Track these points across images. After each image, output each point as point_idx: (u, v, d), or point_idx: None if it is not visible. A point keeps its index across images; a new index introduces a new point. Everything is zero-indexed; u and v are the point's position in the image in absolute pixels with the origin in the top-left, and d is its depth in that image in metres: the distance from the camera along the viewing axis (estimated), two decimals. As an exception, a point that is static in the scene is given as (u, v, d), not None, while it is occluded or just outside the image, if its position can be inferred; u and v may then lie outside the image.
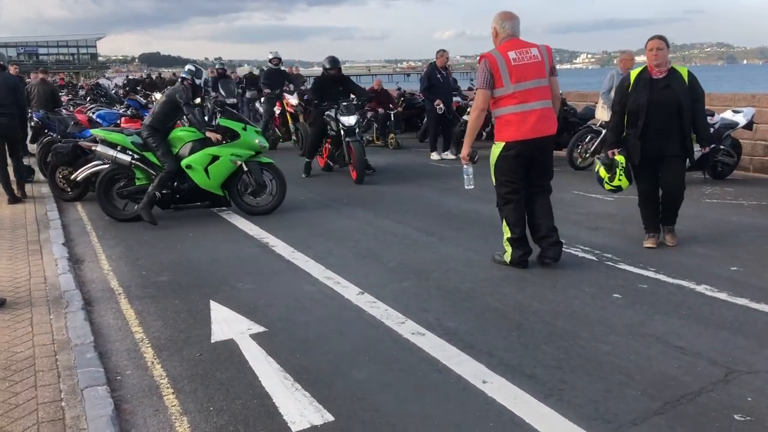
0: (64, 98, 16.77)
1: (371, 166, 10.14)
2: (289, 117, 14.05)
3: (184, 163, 7.15)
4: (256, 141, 7.35)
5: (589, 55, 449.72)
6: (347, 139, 9.42)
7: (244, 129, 7.36)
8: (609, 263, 5.38)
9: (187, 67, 7.61)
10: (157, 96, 17.86)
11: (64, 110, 13.01)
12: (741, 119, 9.16)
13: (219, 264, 5.71)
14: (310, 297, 4.79)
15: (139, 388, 3.49)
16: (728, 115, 9.29)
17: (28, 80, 21.07)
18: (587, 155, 10.35)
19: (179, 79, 7.64)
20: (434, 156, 12.02)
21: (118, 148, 7.25)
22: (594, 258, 5.53)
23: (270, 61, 14.24)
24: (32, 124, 11.05)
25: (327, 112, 9.78)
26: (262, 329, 4.18)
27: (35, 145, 10.87)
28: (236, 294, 4.89)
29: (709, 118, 8.91)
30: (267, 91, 13.57)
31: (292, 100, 13.87)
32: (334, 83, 10.15)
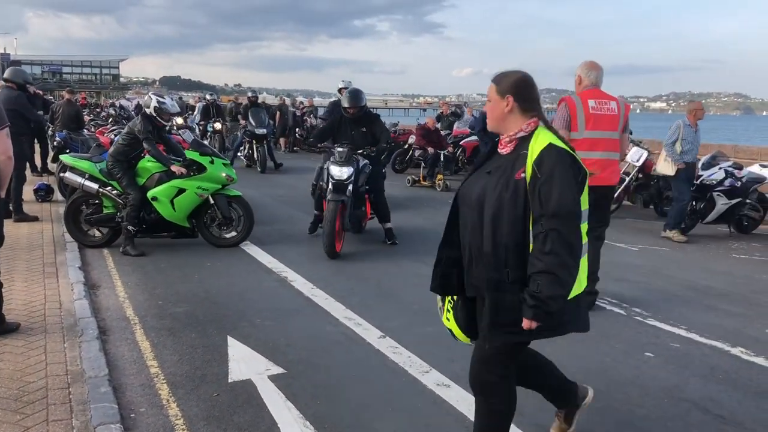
0: (86, 118, 16.89)
1: (393, 235, 7.80)
2: None
3: (150, 194, 7.07)
4: (223, 174, 7.28)
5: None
6: (329, 198, 7.04)
7: (212, 162, 7.28)
8: (638, 318, 5.22)
9: (153, 104, 7.25)
10: (179, 121, 17.99)
11: (86, 130, 13.09)
12: (768, 174, 9.03)
13: (237, 297, 5.59)
14: (330, 338, 4.65)
15: (153, 428, 3.35)
16: (755, 169, 9.17)
17: (50, 98, 21.27)
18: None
19: (141, 112, 7.48)
20: None
21: (86, 175, 7.18)
22: (623, 312, 5.37)
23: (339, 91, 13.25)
24: (54, 143, 11.08)
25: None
26: (281, 371, 4.04)
27: (56, 165, 10.87)
28: (254, 331, 4.75)
29: (736, 171, 8.83)
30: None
31: None
32: (355, 124, 7.78)
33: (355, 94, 7.79)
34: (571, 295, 2.53)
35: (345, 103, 7.78)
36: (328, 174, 7.21)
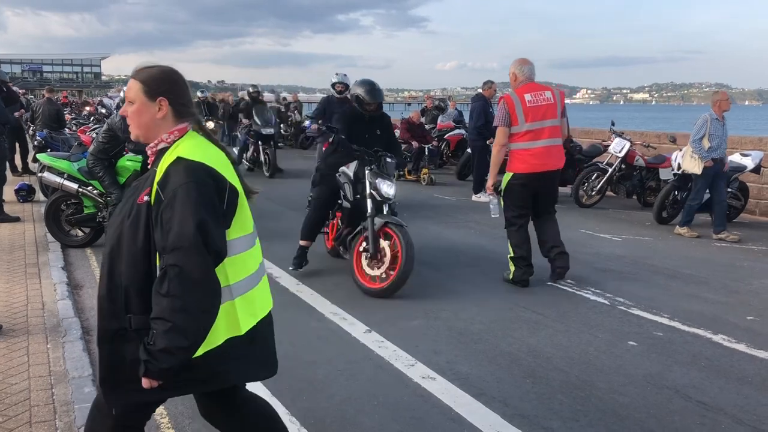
0: (67, 117, 16.72)
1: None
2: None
3: None
4: None
5: (589, 91, 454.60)
6: (386, 222, 5.51)
7: None
8: (622, 308, 5.26)
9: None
10: None
11: (67, 129, 12.98)
12: (749, 163, 9.13)
13: (222, 294, 5.56)
14: (316, 334, 4.65)
15: (138, 427, 3.33)
16: (736, 158, 9.26)
17: (31, 97, 21.06)
18: (593, 193, 10.28)
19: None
20: (481, 198, 10.48)
21: (65, 175, 7.12)
22: (606, 302, 5.41)
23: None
24: (35, 143, 10.97)
25: (342, 168, 6.00)
26: (266, 367, 4.03)
27: (36, 165, 10.77)
28: (240, 328, 4.74)
29: (717, 160, 8.90)
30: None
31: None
32: (370, 125, 6.16)
33: (376, 87, 6.22)
34: (214, 344, 2.05)
35: (366, 97, 6.11)
36: (372, 187, 5.64)
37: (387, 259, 5.45)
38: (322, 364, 4.10)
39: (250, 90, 15.04)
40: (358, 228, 5.82)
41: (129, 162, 7.14)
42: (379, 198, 5.62)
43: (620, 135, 10.56)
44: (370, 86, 6.15)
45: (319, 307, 5.22)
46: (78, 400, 3.49)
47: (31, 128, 12.69)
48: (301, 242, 6.24)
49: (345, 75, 9.94)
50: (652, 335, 4.68)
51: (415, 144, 13.74)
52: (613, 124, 11.18)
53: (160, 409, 3.50)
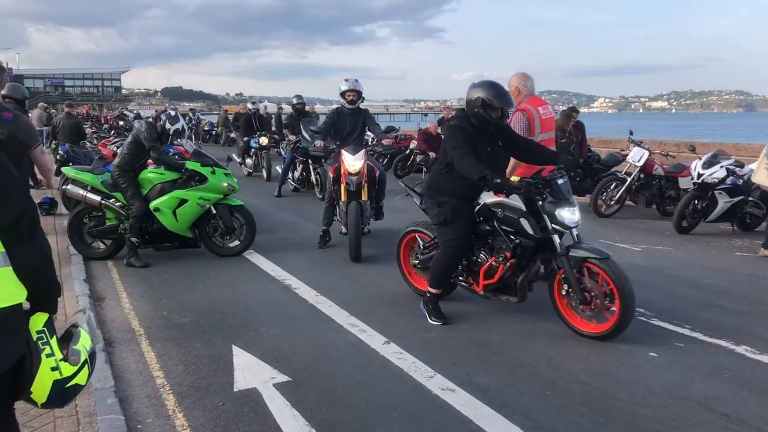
0: (88, 131, 16.94)
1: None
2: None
3: (152, 205, 7.10)
4: (225, 184, 7.32)
5: (607, 99, 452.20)
6: (586, 258, 4.71)
7: (213, 172, 7.31)
8: (642, 318, 5.21)
9: (177, 126, 7.39)
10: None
11: (88, 143, 13.16)
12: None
13: (241, 306, 5.61)
14: (335, 345, 4.66)
15: (160, 439, 3.36)
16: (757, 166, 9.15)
17: (53, 111, 21.37)
18: (612, 203, 10.22)
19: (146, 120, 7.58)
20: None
21: (88, 188, 7.23)
22: (626, 312, 5.37)
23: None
24: (57, 157, 11.13)
25: (491, 200, 5.01)
26: (286, 378, 4.05)
27: (59, 178, 10.93)
28: (259, 339, 4.77)
29: (738, 169, 8.83)
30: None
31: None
32: (490, 138, 5.15)
33: (504, 89, 5.31)
34: None
35: (495, 102, 5.04)
36: (552, 220, 4.80)
37: (599, 300, 4.65)
38: (342, 376, 4.11)
39: (294, 101, 13.83)
40: (537, 268, 4.94)
41: (152, 174, 7.27)
42: (563, 228, 4.79)
43: (639, 144, 10.50)
44: (498, 88, 5.06)
45: (337, 319, 5.24)
46: (101, 411, 3.53)
47: (52, 143, 12.85)
48: (432, 290, 5.24)
49: (356, 81, 8.09)
50: (673, 346, 4.64)
51: (432, 155, 13.78)
52: (631, 133, 11.12)
53: (182, 422, 3.54)
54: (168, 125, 7.31)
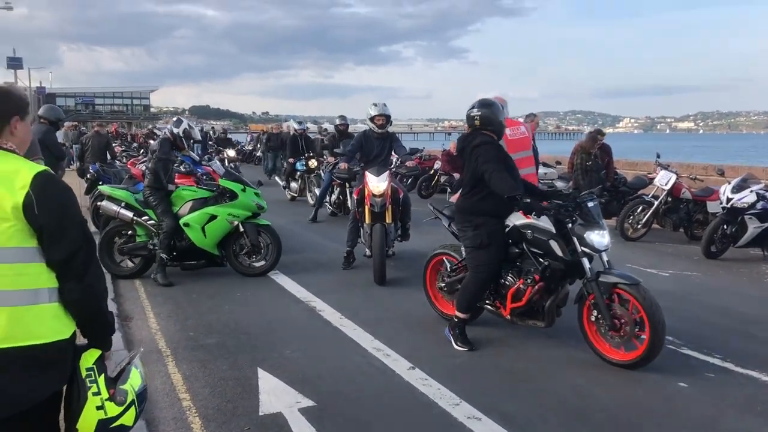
0: (118, 148, 17.20)
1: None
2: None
3: (182, 221, 7.22)
4: (254, 202, 7.43)
5: (633, 120, 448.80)
6: (616, 284, 4.64)
7: (243, 190, 7.45)
8: (671, 347, 5.13)
9: (183, 126, 7.57)
10: (230, 153, 18.20)
11: (117, 161, 13.34)
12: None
13: (266, 327, 5.63)
14: (359, 369, 4.65)
15: (186, 462, 3.38)
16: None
17: (84, 129, 21.73)
18: (639, 226, 10.11)
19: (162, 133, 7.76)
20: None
21: (122, 204, 7.37)
22: (655, 340, 5.29)
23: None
24: (88, 176, 11.35)
25: (521, 222, 5.02)
26: (311, 403, 4.05)
27: (89, 196, 11.11)
28: (284, 362, 4.78)
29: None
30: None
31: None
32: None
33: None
34: None
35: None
36: (582, 243, 4.76)
37: (628, 327, 4.56)
38: (367, 402, 4.10)
39: (338, 122, 13.15)
40: (566, 292, 4.99)
41: (185, 191, 7.42)
42: (592, 252, 4.76)
43: (666, 167, 10.40)
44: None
45: (362, 342, 5.23)
46: (128, 433, 3.55)
47: (76, 164, 12.88)
48: (460, 314, 5.15)
49: (385, 105, 8.14)
50: (703, 376, 4.56)
51: (456, 175, 13.75)
52: (658, 156, 11.02)
53: (208, 445, 3.54)
54: (175, 130, 7.51)
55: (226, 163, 16.44)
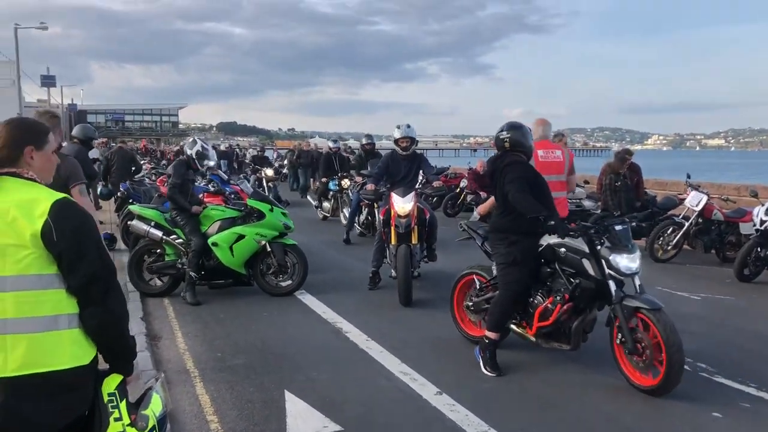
0: (147, 166, 17.37)
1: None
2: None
3: (210, 240, 7.28)
4: (281, 222, 7.48)
5: (661, 137, 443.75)
6: (637, 308, 4.61)
7: (271, 210, 7.51)
8: (704, 374, 5.03)
9: (196, 148, 7.57)
10: (268, 172, 17.32)
11: (147, 179, 13.45)
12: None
13: (293, 349, 5.64)
14: (386, 394, 4.63)
15: (213, 487, 3.38)
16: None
17: (112, 144, 21.90)
18: (669, 247, 9.96)
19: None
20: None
21: (152, 223, 7.46)
22: (687, 367, 5.14)
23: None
24: (118, 194, 11.50)
25: (555, 241, 5.02)
26: (338, 428, 4.04)
27: (118, 214, 11.27)
28: (311, 385, 4.77)
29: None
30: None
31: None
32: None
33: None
34: None
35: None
36: (608, 266, 4.74)
37: (649, 351, 4.52)
38: (394, 428, 4.08)
39: (364, 141, 12.88)
40: (593, 316, 5.00)
41: (213, 211, 7.52)
42: (620, 276, 4.75)
43: (696, 188, 10.24)
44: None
45: (388, 365, 5.20)
46: (157, 456, 3.57)
47: (100, 184, 12.74)
48: (490, 334, 5.13)
49: (409, 126, 8.16)
50: (738, 406, 4.45)
51: (483, 194, 13.69)
52: (688, 176, 10.87)
53: (235, 469, 3.54)
54: (188, 151, 7.58)
55: (264, 183, 16.54)
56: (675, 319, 6.48)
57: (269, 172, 17.35)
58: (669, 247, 9.97)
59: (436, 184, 8.36)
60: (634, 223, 5.04)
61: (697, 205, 9.88)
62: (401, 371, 5.07)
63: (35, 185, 2.24)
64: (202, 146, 7.67)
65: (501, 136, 5.29)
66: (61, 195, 2.20)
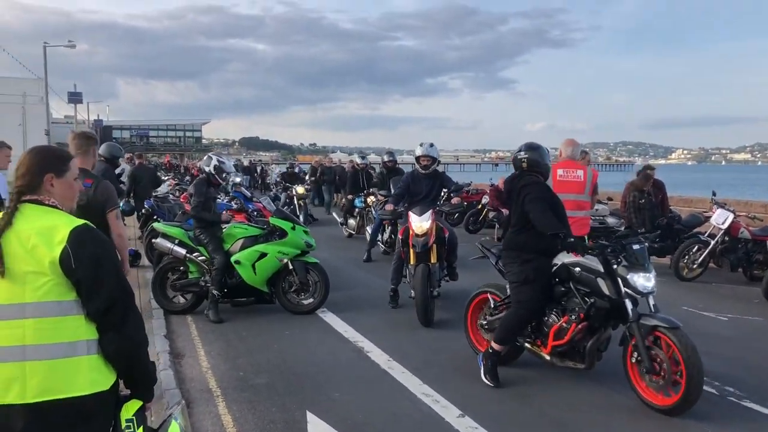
0: (171, 182, 17.54)
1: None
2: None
3: (233, 258, 7.33)
4: (303, 240, 7.52)
5: (686, 151, 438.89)
6: (655, 326, 4.59)
7: (293, 228, 7.55)
8: (732, 398, 4.94)
9: (213, 163, 7.70)
10: (299, 189, 16.68)
11: (171, 195, 13.57)
12: None
13: (315, 368, 5.64)
14: (409, 416, 4.61)
15: None
16: None
17: (135, 162, 22.09)
18: (695, 266, 9.83)
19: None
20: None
21: (176, 241, 7.54)
22: (714, 391, 5.09)
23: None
24: (143, 211, 11.63)
25: (570, 260, 5.06)
26: (360, 450, 4.03)
27: (143, 231, 11.39)
28: (333, 405, 4.77)
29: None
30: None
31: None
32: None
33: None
34: None
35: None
36: (625, 284, 4.76)
37: (667, 371, 4.50)
38: (416, 451, 4.04)
39: (386, 158, 12.60)
40: (608, 335, 5.01)
41: (237, 229, 7.60)
42: (636, 295, 4.74)
43: (722, 206, 10.11)
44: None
45: (410, 387, 5.18)
46: (180, 477, 3.59)
47: (123, 201, 12.75)
48: (495, 346, 5.20)
49: (431, 145, 8.15)
50: (767, 432, 4.36)
51: (505, 211, 13.61)
52: (714, 194, 10.75)
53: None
54: (206, 168, 7.71)
55: (295, 201, 16.33)
56: (701, 341, 6.39)
57: (300, 189, 16.71)
58: (694, 266, 9.84)
59: (454, 200, 8.32)
60: (647, 243, 5.01)
61: (723, 223, 9.76)
62: (423, 392, 5.05)
63: (56, 212, 2.28)
64: (218, 160, 7.81)
65: (519, 157, 5.40)
66: (80, 221, 2.23)
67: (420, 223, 7.24)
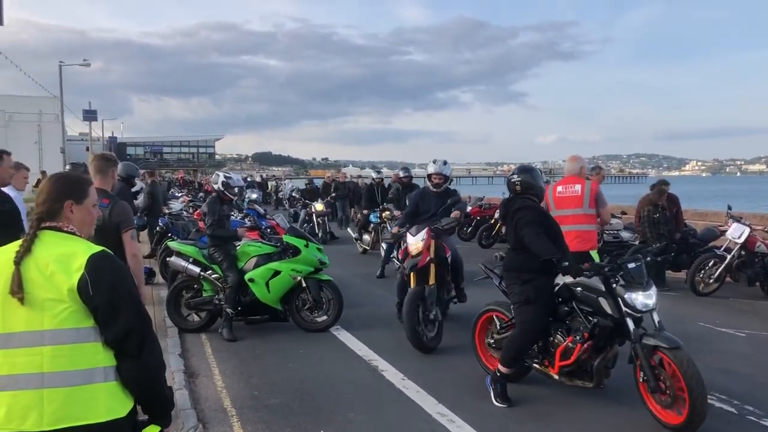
0: (185, 198, 17.59)
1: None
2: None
3: (247, 276, 7.36)
4: (316, 258, 7.53)
5: (700, 163, 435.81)
6: (656, 346, 4.58)
7: (306, 246, 7.56)
8: (752, 418, 4.87)
9: (220, 180, 7.78)
10: (318, 206, 16.40)
11: (185, 212, 13.62)
12: None
13: (329, 387, 5.63)
14: (424, 437, 4.58)
15: None
16: None
17: (150, 179, 22.33)
18: (711, 281, 9.73)
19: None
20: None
21: (191, 260, 7.57)
22: (733, 410, 5.03)
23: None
24: (157, 228, 11.70)
25: (569, 281, 5.07)
26: (375, 472, 4.01)
27: (157, 249, 11.43)
28: (348, 426, 4.76)
29: None
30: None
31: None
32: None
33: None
34: None
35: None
36: (625, 304, 4.75)
37: (670, 389, 4.48)
38: (432, 472, 4.02)
39: (401, 174, 12.33)
40: (614, 352, 4.96)
41: (250, 247, 7.63)
42: (634, 312, 4.71)
43: (738, 220, 10.03)
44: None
45: (425, 406, 5.16)
46: (196, 500, 3.59)
47: (136, 217, 12.76)
48: (502, 369, 5.18)
49: (445, 163, 8.08)
50: (789, 453, 4.29)
51: None
52: (729, 208, 10.66)
53: None
54: (215, 186, 7.85)
55: (314, 219, 16.13)
56: (719, 358, 6.35)
57: (319, 206, 16.40)
58: (711, 281, 9.74)
59: (454, 214, 7.97)
60: (648, 258, 4.99)
61: (739, 238, 9.67)
62: (438, 412, 5.02)
63: (74, 238, 2.30)
64: (225, 176, 7.92)
65: (512, 180, 5.44)
66: (98, 248, 2.25)
67: (414, 241, 7.00)
